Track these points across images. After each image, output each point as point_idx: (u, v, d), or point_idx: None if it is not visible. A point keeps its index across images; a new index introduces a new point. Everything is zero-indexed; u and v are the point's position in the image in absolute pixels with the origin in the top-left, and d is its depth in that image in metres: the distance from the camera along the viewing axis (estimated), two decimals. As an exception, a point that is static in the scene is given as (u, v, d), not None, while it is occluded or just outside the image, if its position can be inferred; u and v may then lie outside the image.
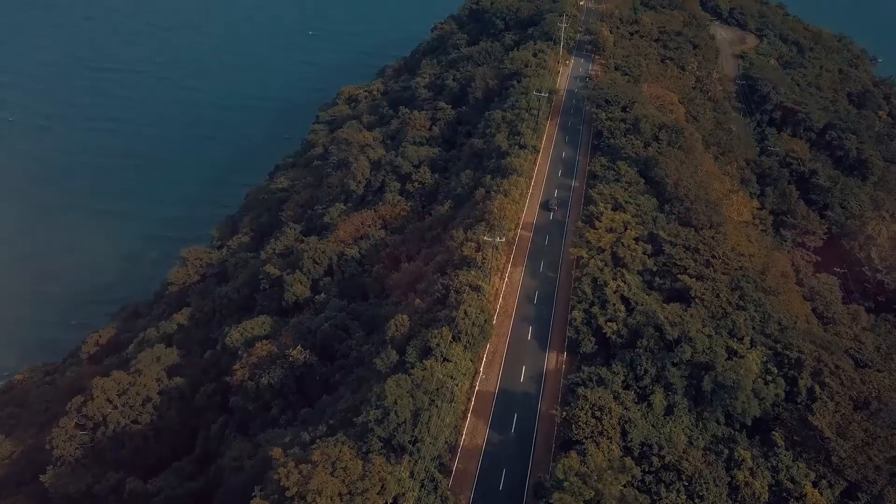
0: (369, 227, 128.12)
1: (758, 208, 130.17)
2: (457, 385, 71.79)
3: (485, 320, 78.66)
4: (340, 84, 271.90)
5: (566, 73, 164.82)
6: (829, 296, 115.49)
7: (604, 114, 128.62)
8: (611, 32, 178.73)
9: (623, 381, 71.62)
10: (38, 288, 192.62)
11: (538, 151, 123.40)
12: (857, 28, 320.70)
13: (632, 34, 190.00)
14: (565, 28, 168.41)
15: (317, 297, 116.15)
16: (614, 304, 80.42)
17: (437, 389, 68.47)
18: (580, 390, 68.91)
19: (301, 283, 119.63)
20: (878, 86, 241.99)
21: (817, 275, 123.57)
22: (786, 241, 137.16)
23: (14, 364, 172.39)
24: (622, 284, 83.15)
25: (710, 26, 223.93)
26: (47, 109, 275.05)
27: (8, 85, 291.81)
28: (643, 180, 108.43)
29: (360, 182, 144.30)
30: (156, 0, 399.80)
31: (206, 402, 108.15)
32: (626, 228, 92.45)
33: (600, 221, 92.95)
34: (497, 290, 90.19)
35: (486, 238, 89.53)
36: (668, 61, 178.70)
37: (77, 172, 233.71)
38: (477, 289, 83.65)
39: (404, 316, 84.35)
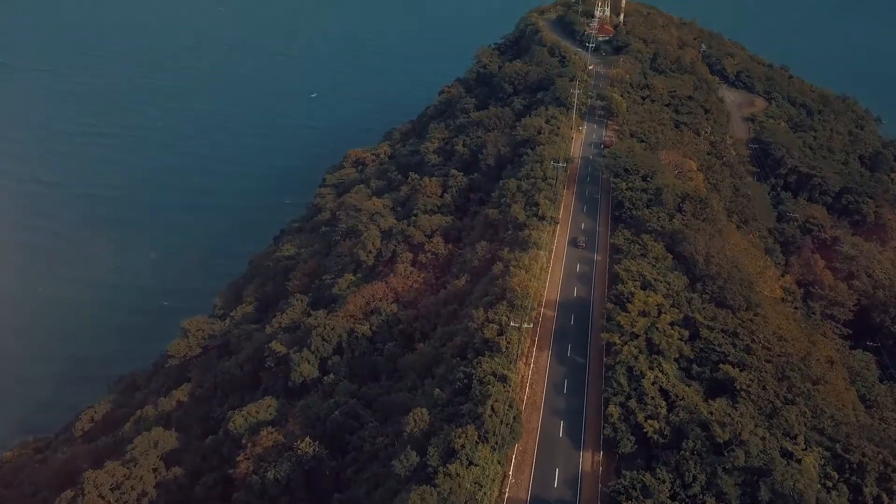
0: (380, 300, 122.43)
1: (788, 284, 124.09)
2: (485, 494, 64.85)
3: (514, 417, 72.11)
4: (344, 147, 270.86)
5: (579, 139, 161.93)
6: (869, 375, 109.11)
7: (624, 183, 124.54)
8: (623, 97, 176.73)
9: (670, 490, 64.66)
10: (34, 357, 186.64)
11: (557, 223, 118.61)
12: (857, 88, 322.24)
13: (643, 99, 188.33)
14: (577, 94, 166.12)
15: (325, 377, 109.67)
16: (653, 398, 74.01)
17: (466, 503, 61.56)
18: (623, 501, 62.02)
19: (309, 362, 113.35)
20: (887, 147, 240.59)
21: (853, 352, 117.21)
22: (814, 313, 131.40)
23: (5, 433, 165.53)
24: (660, 375, 76.90)
25: (719, 90, 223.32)
26: (44, 175, 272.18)
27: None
28: (671, 255, 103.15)
29: (370, 252, 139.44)
30: (155, 66, 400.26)
31: (207, 495, 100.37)
32: (660, 312, 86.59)
33: (632, 304, 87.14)
34: (523, 377, 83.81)
35: (512, 324, 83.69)
36: (682, 126, 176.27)
37: (75, 239, 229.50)
38: (503, 379, 77.37)
39: (423, 410, 77.83)
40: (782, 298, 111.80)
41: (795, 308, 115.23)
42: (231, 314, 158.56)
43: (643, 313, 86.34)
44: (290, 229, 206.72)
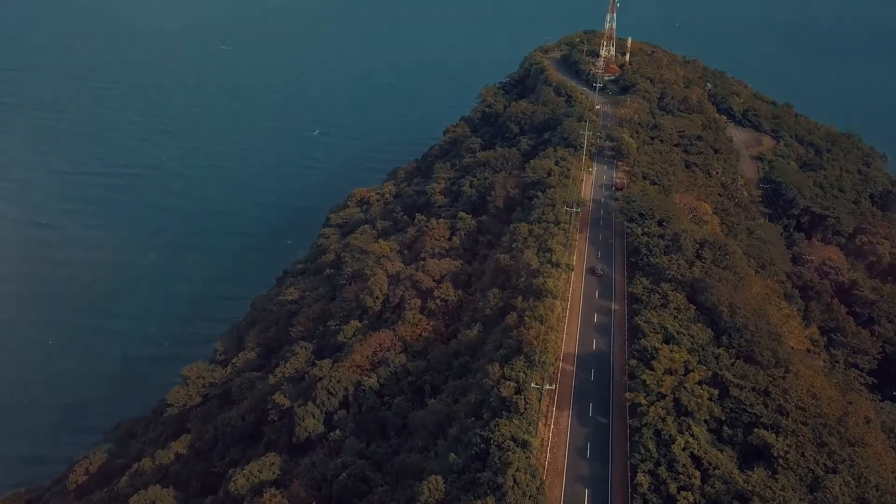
0: (388, 350, 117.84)
1: (814, 334, 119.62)
2: (509, 577, 59.77)
3: (537, 488, 67.24)
4: (347, 185, 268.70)
5: (590, 180, 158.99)
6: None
7: (639, 228, 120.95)
8: (632, 138, 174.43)
9: (710, 573, 59.61)
10: (29, 401, 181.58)
11: (572, 269, 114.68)
12: (857, 124, 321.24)
13: (652, 139, 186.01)
14: (587, 136, 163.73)
15: (331, 433, 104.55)
16: (685, 466, 69.17)
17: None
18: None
19: (314, 416, 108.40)
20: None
21: (881, 404, 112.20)
22: (837, 362, 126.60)
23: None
24: (691, 440, 72.14)
25: (727, 129, 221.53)
26: (42, 217, 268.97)
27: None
28: (693, 306, 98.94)
29: (376, 297, 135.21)
30: (155, 104, 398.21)
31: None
32: (687, 370, 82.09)
33: (658, 362, 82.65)
34: (543, 439, 79.03)
35: (533, 385, 79.17)
36: (693, 167, 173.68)
37: (72, 283, 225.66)
38: (524, 445, 72.64)
39: (438, 478, 72.93)
40: (808, 350, 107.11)
41: (823, 360, 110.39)
42: (233, 360, 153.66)
43: (669, 371, 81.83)
44: (293, 271, 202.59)
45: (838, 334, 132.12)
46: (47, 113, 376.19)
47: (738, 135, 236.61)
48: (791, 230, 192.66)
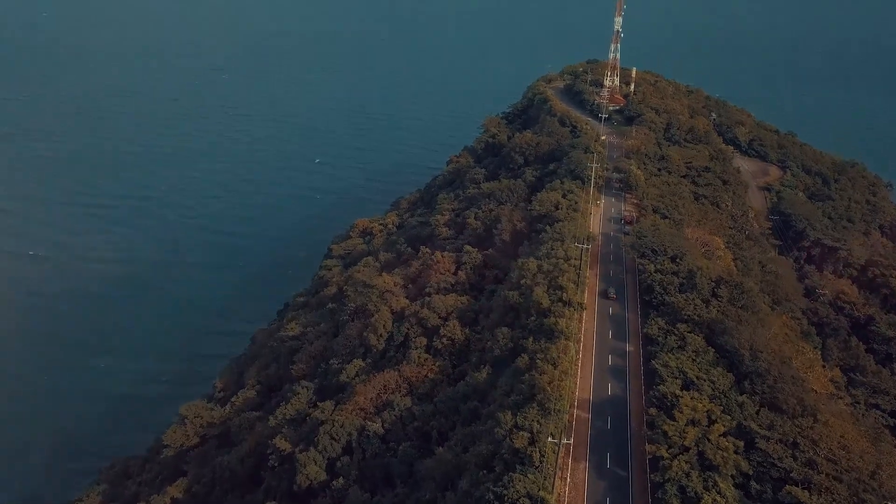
0: (393, 391, 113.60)
1: (836, 377, 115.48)
2: None
3: (556, 553, 62.85)
4: (348, 215, 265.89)
5: (598, 213, 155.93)
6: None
7: (652, 265, 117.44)
8: (640, 169, 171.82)
9: None
10: (24, 441, 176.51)
11: (584, 309, 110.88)
12: (858, 152, 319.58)
13: (660, 170, 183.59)
14: (595, 168, 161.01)
15: (334, 481, 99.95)
16: (714, 528, 64.80)
17: None
18: None
19: (316, 462, 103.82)
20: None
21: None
22: (858, 403, 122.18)
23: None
24: (718, 498, 67.81)
25: (734, 159, 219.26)
26: (39, 250, 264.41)
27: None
28: (712, 349, 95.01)
29: (381, 335, 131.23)
30: (149, 132, 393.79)
31: None
32: (710, 420, 77.96)
33: (679, 411, 78.57)
34: (559, 494, 74.58)
35: (550, 439, 75.02)
36: (702, 199, 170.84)
37: (66, 316, 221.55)
38: (540, 502, 68.30)
39: (450, 538, 68.45)
40: (832, 393, 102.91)
41: (846, 402, 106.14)
42: (232, 399, 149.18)
43: (692, 421, 77.65)
44: (294, 304, 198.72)
45: (858, 373, 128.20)
46: (41, 142, 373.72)
47: (745, 165, 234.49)
48: (802, 262, 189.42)
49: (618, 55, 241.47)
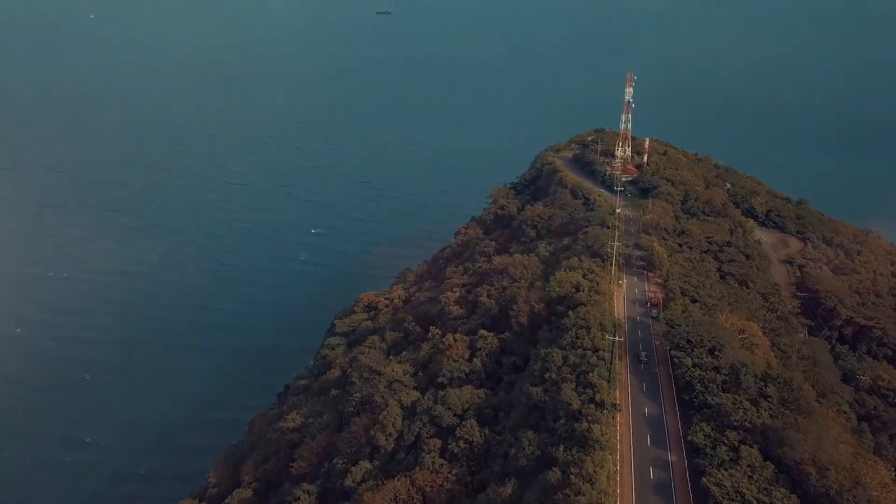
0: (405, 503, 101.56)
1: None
2: None
3: None
4: (350, 287, 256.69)
5: (620, 294, 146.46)
6: None
7: (689, 359, 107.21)
8: (660, 245, 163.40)
9: None
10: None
11: (618, 410, 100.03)
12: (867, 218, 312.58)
13: (680, 245, 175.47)
14: (616, 246, 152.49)
15: None
16: None
17: None
18: None
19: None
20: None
21: None
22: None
23: None
24: None
25: (754, 232, 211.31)
26: (33, 315, 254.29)
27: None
28: (769, 463, 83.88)
29: (389, 434, 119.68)
30: (141, 202, 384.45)
31: None
32: (788, 566, 66.44)
33: (750, 554, 67.04)
34: None
35: None
36: (728, 277, 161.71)
37: (54, 388, 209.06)
38: None
39: None
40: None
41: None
42: (227, 501, 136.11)
43: (765, 567, 66.05)
44: (295, 387, 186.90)
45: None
46: (30, 206, 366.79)
47: (764, 236, 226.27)
48: (833, 342, 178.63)
49: (629, 126, 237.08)
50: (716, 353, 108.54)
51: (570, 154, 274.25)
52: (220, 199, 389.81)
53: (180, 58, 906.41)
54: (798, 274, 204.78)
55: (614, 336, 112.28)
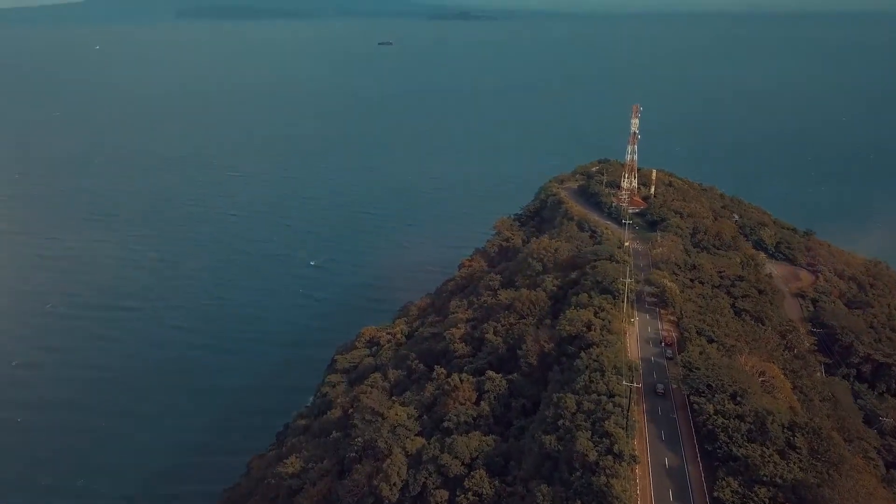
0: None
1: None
2: None
3: None
4: (351, 320, 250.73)
5: (633, 333, 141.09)
6: None
7: (710, 406, 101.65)
8: (672, 281, 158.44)
9: None
10: None
11: (637, 461, 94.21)
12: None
13: (692, 280, 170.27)
14: (628, 283, 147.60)
15: None
16: None
17: None
18: None
19: None
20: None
21: None
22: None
23: None
24: None
25: (765, 265, 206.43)
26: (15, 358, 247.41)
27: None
28: (805, 524, 78.13)
29: (394, 484, 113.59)
30: (142, 235, 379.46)
31: None
32: None
33: None
34: None
35: None
36: (743, 314, 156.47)
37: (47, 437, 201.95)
38: None
39: None
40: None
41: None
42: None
43: None
44: (294, 427, 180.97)
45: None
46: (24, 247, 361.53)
47: (774, 269, 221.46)
48: (851, 380, 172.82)
49: (635, 157, 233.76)
50: (738, 398, 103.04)
51: (574, 185, 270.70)
52: (219, 232, 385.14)
53: (181, 90, 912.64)
54: (811, 308, 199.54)
55: (631, 382, 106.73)
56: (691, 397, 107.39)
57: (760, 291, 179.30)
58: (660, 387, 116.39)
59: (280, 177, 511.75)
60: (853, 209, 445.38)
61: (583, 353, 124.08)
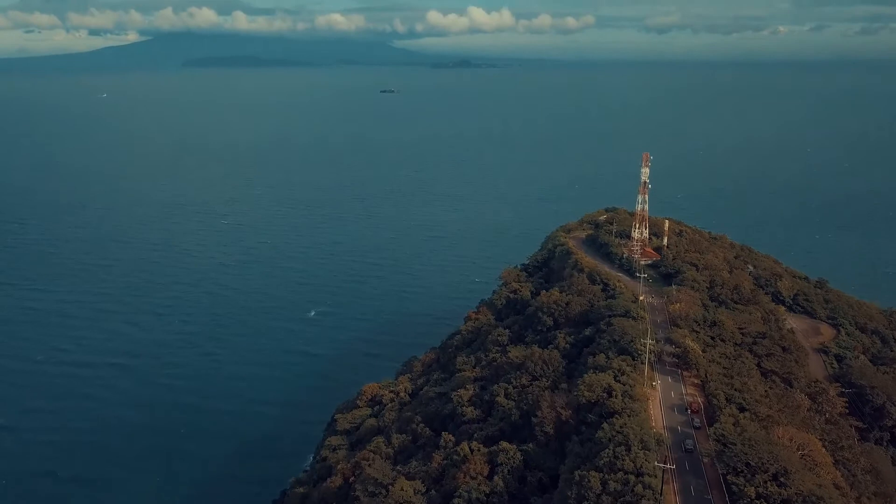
0: None
1: None
2: None
3: None
4: (351, 375, 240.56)
5: (656, 398, 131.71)
6: None
7: (752, 488, 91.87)
8: (693, 341, 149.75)
9: None
10: None
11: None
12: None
13: (713, 338, 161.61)
14: (648, 344, 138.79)
15: None
16: None
17: None
18: None
19: None
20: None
21: None
22: None
23: None
24: None
25: (786, 321, 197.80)
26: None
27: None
28: None
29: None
30: (136, 286, 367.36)
31: None
32: None
33: None
34: None
35: None
36: (770, 376, 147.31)
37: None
38: None
39: None
40: None
41: None
42: None
43: None
44: (292, 495, 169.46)
45: None
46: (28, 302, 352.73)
47: (794, 324, 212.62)
48: (884, 444, 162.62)
49: (646, 207, 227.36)
50: (781, 479, 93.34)
51: (583, 234, 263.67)
52: (214, 284, 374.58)
53: (181, 138, 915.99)
54: (835, 365, 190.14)
55: (665, 463, 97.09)
56: (728, 477, 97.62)
57: (784, 349, 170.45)
58: (688, 443, 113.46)
59: (278, 226, 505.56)
60: (861, 255, 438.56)
61: (605, 424, 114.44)
